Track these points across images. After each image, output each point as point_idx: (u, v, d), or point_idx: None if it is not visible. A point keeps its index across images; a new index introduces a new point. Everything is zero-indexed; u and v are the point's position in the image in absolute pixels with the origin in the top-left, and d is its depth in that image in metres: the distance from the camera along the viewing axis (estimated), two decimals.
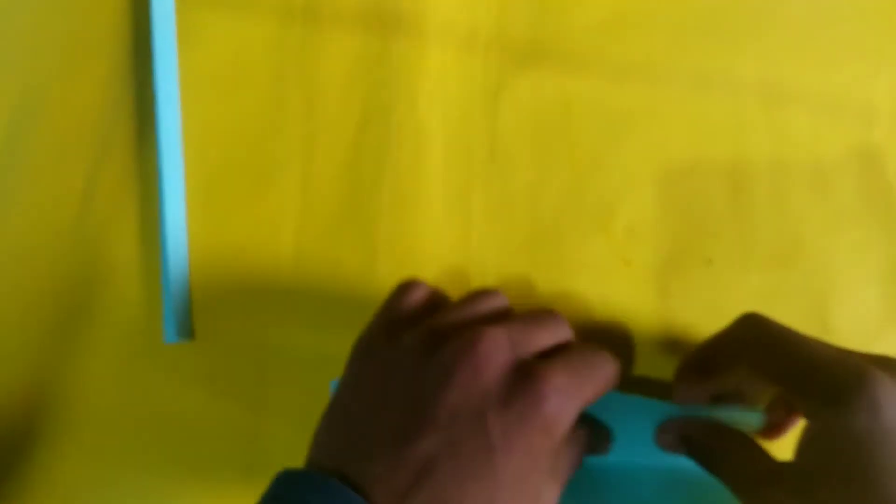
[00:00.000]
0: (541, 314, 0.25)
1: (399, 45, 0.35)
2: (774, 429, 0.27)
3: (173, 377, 0.33)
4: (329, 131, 0.34)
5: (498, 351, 0.22)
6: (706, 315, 0.32)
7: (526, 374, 0.22)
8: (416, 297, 0.26)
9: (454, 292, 0.28)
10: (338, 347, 0.27)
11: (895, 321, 0.31)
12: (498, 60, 0.34)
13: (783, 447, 0.25)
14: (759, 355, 0.24)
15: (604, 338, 0.32)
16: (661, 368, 0.31)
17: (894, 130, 0.33)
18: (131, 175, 0.35)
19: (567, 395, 0.22)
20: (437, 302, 0.27)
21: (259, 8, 0.36)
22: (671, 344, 0.32)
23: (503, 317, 0.25)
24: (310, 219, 0.34)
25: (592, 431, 0.26)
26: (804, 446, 0.22)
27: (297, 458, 0.25)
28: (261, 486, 0.23)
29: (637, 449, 0.27)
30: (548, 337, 0.24)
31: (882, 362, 0.22)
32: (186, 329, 0.33)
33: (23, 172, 0.36)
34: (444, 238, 0.33)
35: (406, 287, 0.27)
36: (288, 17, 0.35)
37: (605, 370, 0.24)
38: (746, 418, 0.27)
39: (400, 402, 0.22)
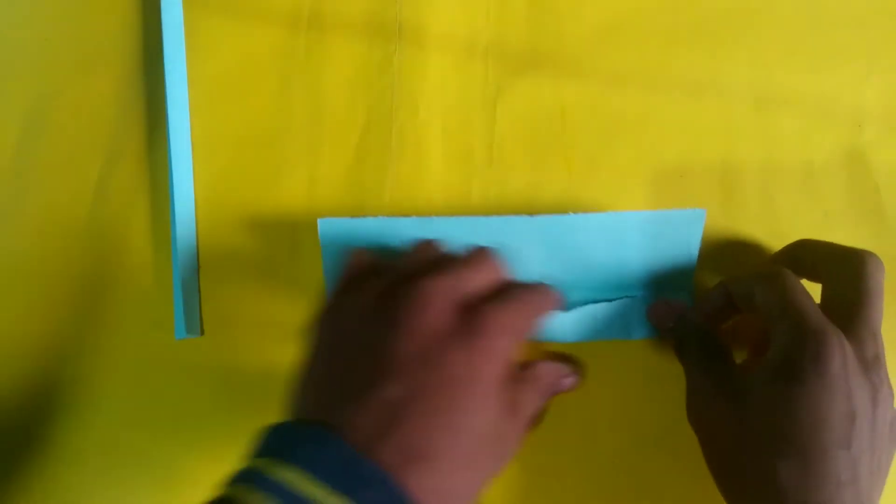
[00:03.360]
0: (475, 258, 0.27)
1: (401, 52, 0.35)
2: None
3: (183, 372, 0.34)
4: (333, 136, 0.35)
5: (439, 297, 0.24)
6: None
7: (473, 314, 0.24)
8: (363, 260, 0.29)
9: None
10: None
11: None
12: (496, 67, 0.35)
13: None
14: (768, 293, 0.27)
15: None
16: (658, 364, 0.32)
17: (883, 133, 0.34)
18: (142, 177, 0.36)
19: (508, 330, 0.25)
20: (384, 262, 0.29)
21: (266, 16, 0.36)
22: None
23: (442, 264, 0.26)
24: (315, 219, 0.33)
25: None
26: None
27: None
28: None
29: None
30: (481, 278, 0.27)
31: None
32: (196, 325, 0.34)
33: (37, 174, 0.36)
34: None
35: (354, 257, 0.29)
36: (294, 26, 0.36)
37: (535, 303, 0.27)
38: None
39: (360, 356, 0.24)
